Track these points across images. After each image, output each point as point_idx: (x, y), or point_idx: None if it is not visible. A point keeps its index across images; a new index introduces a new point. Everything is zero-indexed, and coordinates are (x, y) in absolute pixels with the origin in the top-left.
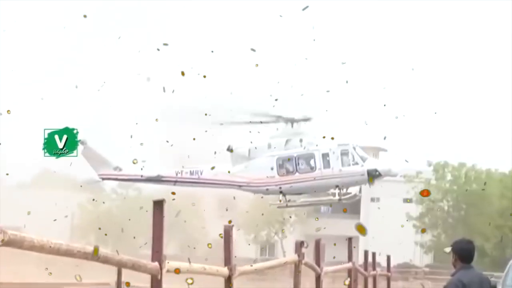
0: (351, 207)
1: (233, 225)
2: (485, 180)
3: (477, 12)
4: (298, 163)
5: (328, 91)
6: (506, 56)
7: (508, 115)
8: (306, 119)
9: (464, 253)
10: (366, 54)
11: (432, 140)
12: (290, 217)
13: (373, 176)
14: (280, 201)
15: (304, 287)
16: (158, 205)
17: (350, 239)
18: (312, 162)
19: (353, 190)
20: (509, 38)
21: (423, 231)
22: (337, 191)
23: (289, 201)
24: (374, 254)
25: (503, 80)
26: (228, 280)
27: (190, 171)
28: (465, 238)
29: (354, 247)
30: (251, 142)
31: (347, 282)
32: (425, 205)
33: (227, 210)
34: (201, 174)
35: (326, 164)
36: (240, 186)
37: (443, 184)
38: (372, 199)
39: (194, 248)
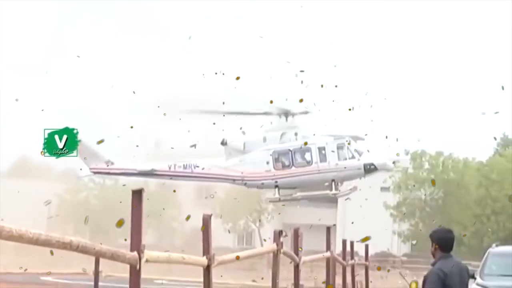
0: (329, 196)
1: (211, 215)
2: (462, 169)
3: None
4: (294, 157)
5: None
6: (484, 44)
7: (485, 104)
8: (302, 112)
9: (444, 242)
10: (347, 44)
11: (409, 128)
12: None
13: (369, 170)
14: (278, 195)
15: (282, 276)
16: (137, 194)
17: (328, 228)
18: (308, 156)
19: (350, 183)
20: (482, 27)
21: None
22: (333, 185)
23: (291, 195)
24: (352, 243)
25: (480, 69)
26: (207, 270)
27: (184, 165)
28: (444, 227)
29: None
30: (246, 130)
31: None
32: (402, 194)
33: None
34: (194, 168)
35: (323, 158)
36: (234, 180)
37: (420, 173)
38: (350, 188)
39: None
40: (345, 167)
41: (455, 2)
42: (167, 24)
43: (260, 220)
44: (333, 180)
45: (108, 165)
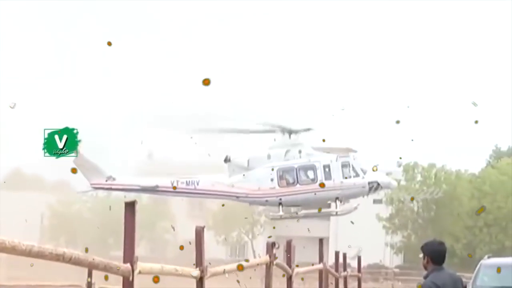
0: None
1: (204, 227)
2: (454, 181)
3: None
4: (299, 174)
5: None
6: (474, 52)
7: (477, 116)
8: (305, 129)
9: (436, 255)
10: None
11: (402, 140)
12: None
13: (373, 188)
14: (282, 212)
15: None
16: (130, 206)
17: (321, 240)
18: (313, 173)
19: (353, 202)
20: (477, 36)
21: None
22: (338, 203)
23: (296, 213)
24: (344, 255)
25: (474, 80)
26: (200, 282)
27: (186, 182)
28: (436, 239)
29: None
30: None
31: None
32: (394, 206)
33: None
34: (197, 184)
35: (328, 176)
36: (237, 197)
37: (412, 185)
38: (342, 200)
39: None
40: (349, 185)
41: (452, 13)
42: (168, 33)
43: (253, 232)
44: (337, 198)
45: (109, 181)
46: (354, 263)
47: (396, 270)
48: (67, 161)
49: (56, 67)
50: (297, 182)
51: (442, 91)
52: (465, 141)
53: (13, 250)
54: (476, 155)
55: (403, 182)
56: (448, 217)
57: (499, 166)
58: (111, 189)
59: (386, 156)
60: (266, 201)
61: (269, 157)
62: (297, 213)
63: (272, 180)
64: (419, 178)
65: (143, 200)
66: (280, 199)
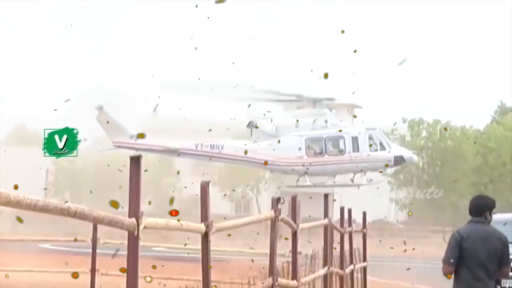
0: None
1: (209, 181)
2: (460, 137)
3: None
4: (327, 145)
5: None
6: (483, 14)
7: (483, 72)
8: (329, 99)
9: (471, 207)
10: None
11: (407, 96)
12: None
13: (397, 162)
14: (309, 182)
15: (280, 244)
16: (135, 160)
17: (326, 196)
18: (341, 145)
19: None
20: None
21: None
22: (362, 175)
23: (323, 183)
24: (350, 211)
25: (478, 37)
26: (205, 237)
27: (211, 145)
28: (481, 194)
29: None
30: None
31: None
32: None
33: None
34: (221, 148)
35: (356, 148)
36: (262, 164)
37: (418, 141)
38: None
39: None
40: (376, 158)
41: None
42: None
43: (257, 188)
44: (361, 171)
45: (133, 140)
46: (360, 219)
47: (401, 226)
48: (70, 116)
49: (62, 24)
50: (325, 152)
51: (447, 47)
52: (470, 97)
53: (18, 204)
54: (481, 111)
55: (408, 138)
56: (453, 173)
57: (504, 122)
58: (133, 148)
59: (391, 112)
60: (292, 169)
61: (297, 125)
62: (324, 183)
63: (300, 149)
64: (424, 134)
65: (147, 156)
66: (307, 168)
